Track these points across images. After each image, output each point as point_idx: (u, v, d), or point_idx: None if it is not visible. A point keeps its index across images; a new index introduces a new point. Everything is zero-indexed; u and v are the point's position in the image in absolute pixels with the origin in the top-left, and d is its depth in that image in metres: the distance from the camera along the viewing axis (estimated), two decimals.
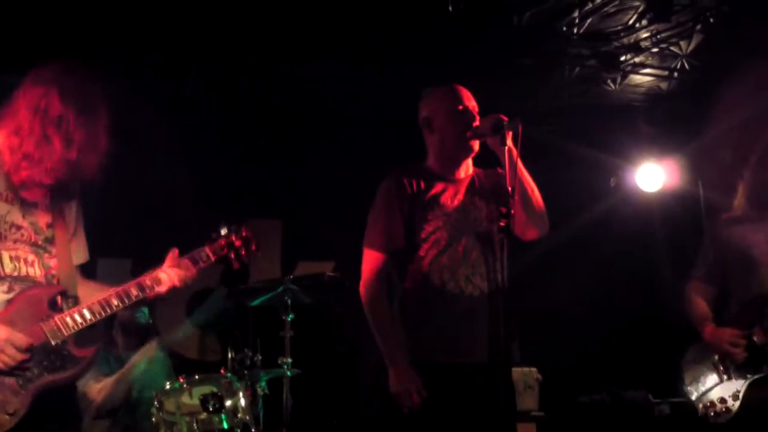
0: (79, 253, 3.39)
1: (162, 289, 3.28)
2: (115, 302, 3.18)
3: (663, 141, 7.78)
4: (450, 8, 5.57)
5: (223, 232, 3.53)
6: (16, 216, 3.15)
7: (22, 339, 2.96)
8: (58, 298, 3.14)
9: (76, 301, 3.21)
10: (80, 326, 3.10)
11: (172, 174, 6.89)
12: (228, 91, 6.85)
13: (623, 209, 7.97)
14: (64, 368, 3.09)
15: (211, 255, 3.46)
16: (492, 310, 3.67)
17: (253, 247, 3.59)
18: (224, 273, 7.28)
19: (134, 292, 3.24)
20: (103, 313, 3.15)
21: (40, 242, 3.20)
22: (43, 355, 3.03)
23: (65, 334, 3.07)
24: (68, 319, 3.08)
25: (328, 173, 7.54)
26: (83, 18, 5.60)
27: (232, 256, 3.53)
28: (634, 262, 8.14)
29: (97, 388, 5.25)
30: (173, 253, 3.37)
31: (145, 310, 5.60)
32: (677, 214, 7.77)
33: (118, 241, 6.88)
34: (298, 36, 6.06)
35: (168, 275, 3.30)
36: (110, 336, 5.56)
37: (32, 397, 3.00)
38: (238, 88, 6.83)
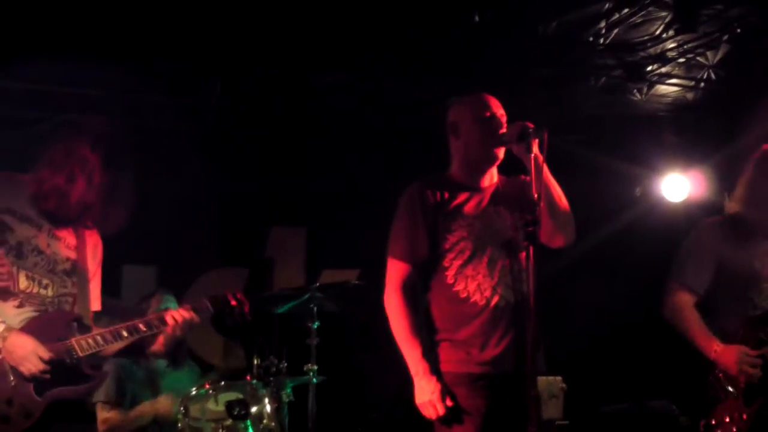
0: (93, 301, 3.77)
1: (167, 329, 3.80)
2: (124, 333, 3.67)
3: (689, 151, 7.75)
4: (476, 18, 5.57)
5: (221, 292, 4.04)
6: (41, 242, 3.57)
7: (45, 351, 3.39)
8: (74, 324, 3.59)
9: (89, 329, 3.66)
10: (93, 350, 3.55)
11: (197, 182, 6.94)
12: (252, 100, 6.88)
13: (649, 219, 7.94)
14: (77, 383, 3.54)
15: (210, 306, 3.97)
16: (517, 320, 3.65)
17: (246, 309, 4.07)
18: (246, 286, 7.35)
19: (142, 327, 3.73)
20: (113, 341, 3.62)
21: (57, 271, 3.61)
22: (59, 369, 3.46)
23: (80, 354, 3.50)
24: (83, 342, 3.53)
25: (353, 180, 7.56)
26: (108, 29, 5.64)
27: (227, 311, 4.01)
28: (659, 273, 8.03)
29: (102, 417, 5.24)
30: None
31: None
32: None
33: (144, 249, 6.93)
34: (320, 46, 6.08)
35: (173, 317, 3.80)
36: (142, 347, 5.56)
37: (46, 404, 3.43)
38: (261, 98, 6.86)
